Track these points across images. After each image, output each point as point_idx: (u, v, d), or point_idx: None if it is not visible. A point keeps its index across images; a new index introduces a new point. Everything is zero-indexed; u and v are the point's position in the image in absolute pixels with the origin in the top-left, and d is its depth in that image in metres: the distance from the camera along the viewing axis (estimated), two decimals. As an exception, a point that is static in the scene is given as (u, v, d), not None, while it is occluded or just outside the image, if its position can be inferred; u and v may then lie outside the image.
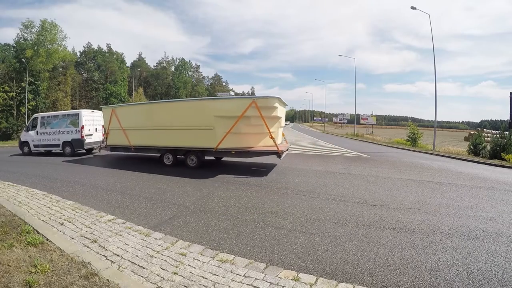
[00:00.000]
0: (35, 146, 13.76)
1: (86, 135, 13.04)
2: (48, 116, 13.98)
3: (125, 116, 10.34)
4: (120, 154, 13.26)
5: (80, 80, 48.14)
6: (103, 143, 11.70)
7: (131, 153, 11.55)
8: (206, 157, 9.54)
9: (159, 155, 10.13)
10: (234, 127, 8.14)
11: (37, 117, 13.98)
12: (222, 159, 10.91)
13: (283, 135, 10.15)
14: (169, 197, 5.77)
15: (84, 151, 13.59)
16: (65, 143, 13.20)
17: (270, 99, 8.21)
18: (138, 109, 10.90)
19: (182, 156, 9.49)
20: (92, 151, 14.17)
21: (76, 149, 13.13)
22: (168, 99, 59.94)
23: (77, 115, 13.16)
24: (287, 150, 9.36)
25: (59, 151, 13.40)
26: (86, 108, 44.91)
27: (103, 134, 11.76)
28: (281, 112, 9.05)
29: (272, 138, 8.14)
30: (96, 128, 13.63)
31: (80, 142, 12.91)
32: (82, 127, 12.92)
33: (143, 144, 9.98)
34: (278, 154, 8.08)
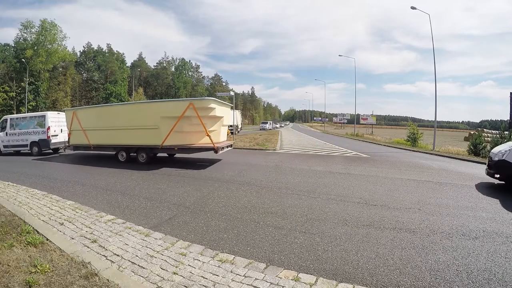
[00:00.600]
0: (4, 146, 14.40)
1: (52, 136, 13.76)
2: (17, 118, 14.71)
3: (85, 118, 11.38)
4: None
5: (80, 80, 48.13)
6: (67, 143, 12.61)
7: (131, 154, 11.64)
8: (158, 154, 10.94)
9: (114, 152, 11.17)
10: (176, 126, 9.25)
11: (6, 119, 14.67)
12: (224, 160, 10.93)
13: (228, 132, 11.32)
14: (169, 197, 5.77)
15: (50, 150, 14.26)
16: (33, 143, 13.79)
17: (206, 101, 9.26)
18: (95, 111, 11.90)
19: (135, 154, 10.59)
20: (58, 151, 14.84)
21: (43, 149, 13.71)
22: (168, 99, 59.97)
23: (44, 116, 13.95)
24: (230, 146, 10.93)
25: (27, 151, 13.98)
26: (86, 108, 44.80)
27: (68, 134, 12.51)
28: (221, 112, 10.00)
29: (208, 135, 9.31)
30: (61, 129, 14.32)
31: (46, 142, 13.59)
32: (48, 128, 13.62)
33: (100, 143, 11.05)
34: (215, 149, 9.27)
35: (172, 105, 10.13)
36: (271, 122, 65.52)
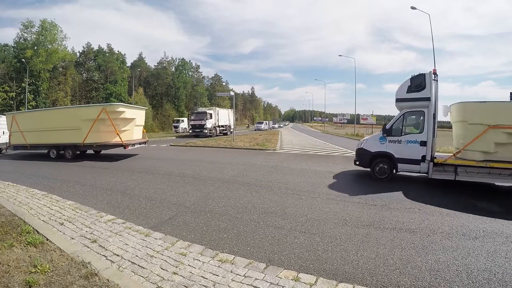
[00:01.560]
0: None
1: None
2: None
3: (22, 121, 12.90)
4: (120, 154, 13.28)
5: (80, 80, 48.04)
6: (8, 144, 13.85)
7: (132, 154, 11.76)
8: (84, 151, 12.95)
9: (46, 150, 12.78)
10: (93, 127, 11.27)
11: None
12: (224, 160, 10.96)
13: (143, 131, 13.56)
14: (169, 197, 5.77)
15: None
16: None
17: (115, 106, 11.66)
18: (31, 116, 13.82)
19: (62, 151, 12.43)
20: (1, 151, 15.36)
21: None
22: (168, 99, 59.92)
23: None
24: (143, 143, 13.15)
25: None
26: (86, 108, 44.63)
27: (9, 136, 13.72)
28: (132, 114, 12.16)
29: (117, 134, 11.24)
30: (3, 131, 14.89)
31: None
32: None
33: (35, 143, 12.70)
34: (123, 146, 11.29)
35: (89, 109, 12.26)
36: (268, 122, 63.04)
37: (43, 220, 4.30)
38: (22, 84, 36.81)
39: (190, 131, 27.93)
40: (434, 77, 7.46)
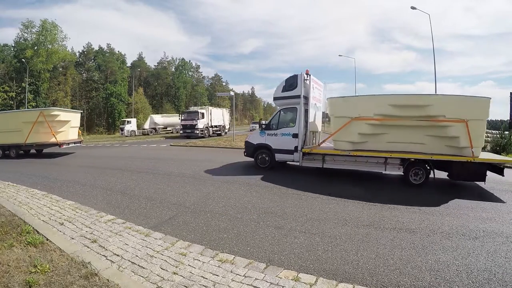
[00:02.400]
0: None
1: None
2: None
3: None
4: (120, 154, 13.30)
5: (80, 80, 48.05)
6: None
7: (132, 154, 11.73)
8: (28, 150, 14.02)
9: None
10: (33, 129, 12.59)
11: None
12: (224, 160, 10.97)
13: (79, 132, 14.72)
14: (169, 197, 5.77)
15: None
16: None
17: (51, 110, 13.30)
18: None
19: (7, 151, 13.47)
20: None
21: None
22: (168, 99, 59.93)
23: None
24: (78, 143, 14.28)
25: None
26: (85, 108, 44.63)
27: None
28: (66, 117, 13.58)
29: (53, 135, 12.54)
30: None
31: None
32: None
33: None
34: (59, 145, 12.62)
35: (29, 113, 13.89)
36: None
37: (43, 220, 4.30)
38: (22, 84, 36.83)
39: (181, 132, 26.57)
40: (306, 77, 8.42)
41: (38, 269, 2.75)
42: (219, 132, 28.95)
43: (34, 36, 38.51)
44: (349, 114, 7.46)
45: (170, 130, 37.34)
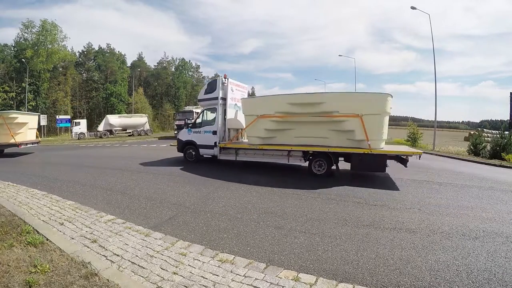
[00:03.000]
0: None
1: None
2: None
3: None
4: (119, 154, 13.31)
5: (80, 80, 48.06)
6: None
7: (132, 154, 11.75)
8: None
9: None
10: None
11: None
12: (223, 160, 10.97)
13: (36, 134, 15.07)
14: (169, 197, 5.77)
15: None
16: None
17: (9, 113, 13.84)
18: None
19: None
20: None
21: None
22: (168, 99, 59.88)
23: None
24: (36, 143, 14.62)
25: None
26: (85, 108, 44.56)
27: None
28: (24, 119, 14.11)
29: (12, 136, 13.12)
30: None
31: None
32: None
33: None
34: (17, 145, 13.17)
35: None
36: None
37: (43, 220, 4.30)
38: (22, 84, 36.82)
39: (175, 132, 25.28)
40: (224, 80, 9.55)
41: (38, 269, 2.75)
42: None
43: (34, 36, 38.50)
44: (256, 113, 8.54)
45: (130, 132, 33.19)
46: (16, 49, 39.57)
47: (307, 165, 8.14)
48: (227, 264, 3.01)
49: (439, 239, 3.75)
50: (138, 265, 3.00)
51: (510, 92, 9.46)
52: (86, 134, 31.01)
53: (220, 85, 9.52)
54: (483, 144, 14.46)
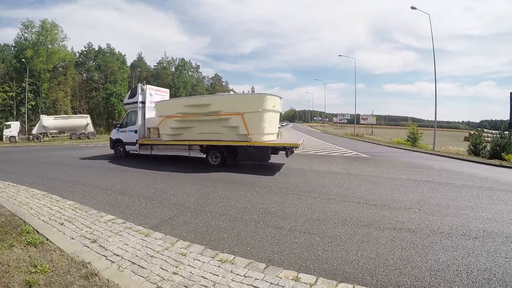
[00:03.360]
0: None
1: None
2: None
3: None
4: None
5: (80, 80, 48.07)
6: None
7: (132, 153, 11.81)
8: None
9: None
10: None
11: None
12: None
13: None
14: (169, 197, 5.77)
15: None
16: None
17: None
18: None
19: None
20: None
21: None
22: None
23: None
24: None
25: None
26: (85, 108, 44.53)
27: None
28: None
29: None
30: None
31: None
32: None
33: None
34: None
35: None
36: None
37: (43, 220, 4.30)
38: (22, 84, 36.79)
39: None
40: (144, 87, 11.31)
41: (38, 269, 2.75)
42: None
43: (34, 36, 38.46)
44: (164, 114, 10.13)
45: (68, 135, 30.64)
46: (16, 49, 39.56)
47: (204, 156, 9.82)
48: (227, 264, 3.01)
49: (439, 239, 3.75)
50: (138, 265, 3.00)
51: (510, 92, 9.46)
52: (17, 137, 27.91)
53: (140, 91, 11.18)
54: (483, 144, 14.48)
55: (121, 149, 11.96)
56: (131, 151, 11.72)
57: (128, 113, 11.88)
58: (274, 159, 11.83)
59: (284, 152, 8.95)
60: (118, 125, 12.21)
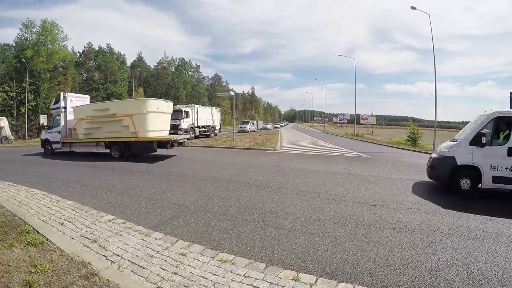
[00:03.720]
0: None
1: None
2: None
3: None
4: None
5: (80, 80, 48.13)
6: None
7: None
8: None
9: None
10: None
11: None
12: (224, 160, 11.05)
13: None
14: (169, 197, 5.77)
15: None
16: None
17: None
18: None
19: None
20: None
21: None
22: (168, 99, 59.90)
23: None
24: None
25: None
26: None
27: None
28: None
29: None
30: None
31: None
32: None
33: None
34: None
35: None
36: (254, 122, 48.84)
37: (43, 220, 4.30)
38: (23, 84, 36.83)
39: None
40: (64, 95, 13.44)
41: (38, 269, 2.75)
42: (208, 133, 26.24)
43: (35, 36, 38.53)
44: (78, 116, 12.35)
45: None
46: (16, 49, 39.60)
47: (108, 151, 11.97)
48: (227, 264, 3.01)
49: (439, 239, 3.75)
50: (138, 265, 3.00)
51: (510, 92, 9.45)
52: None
53: (62, 98, 13.26)
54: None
55: (49, 147, 13.75)
56: (56, 149, 13.58)
57: (54, 117, 13.86)
58: (272, 158, 11.83)
59: (170, 145, 11.64)
60: (47, 127, 14.20)
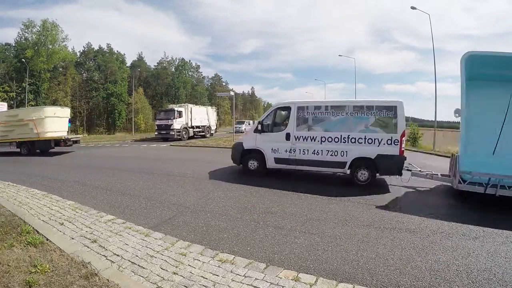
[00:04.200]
0: None
1: None
2: None
3: None
4: (121, 154, 13.31)
5: (80, 80, 48.06)
6: None
7: (132, 154, 11.79)
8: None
9: None
10: None
11: None
12: (223, 160, 10.95)
13: None
14: (169, 197, 5.77)
15: None
16: None
17: None
18: None
19: None
20: None
21: None
22: (168, 99, 59.89)
23: None
24: None
25: None
26: (85, 108, 44.50)
27: None
28: None
29: None
30: None
31: None
32: None
33: None
34: None
35: None
36: (250, 122, 46.20)
37: (43, 220, 4.30)
38: (23, 84, 36.80)
39: (156, 134, 23.13)
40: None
41: (38, 269, 2.75)
42: (203, 133, 25.22)
43: (35, 36, 38.49)
44: None
45: None
46: (16, 49, 39.58)
47: (18, 149, 13.91)
48: (227, 264, 3.01)
49: (439, 239, 3.75)
50: (138, 265, 3.00)
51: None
52: None
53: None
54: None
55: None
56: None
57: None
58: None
59: (63, 143, 13.95)
60: None
